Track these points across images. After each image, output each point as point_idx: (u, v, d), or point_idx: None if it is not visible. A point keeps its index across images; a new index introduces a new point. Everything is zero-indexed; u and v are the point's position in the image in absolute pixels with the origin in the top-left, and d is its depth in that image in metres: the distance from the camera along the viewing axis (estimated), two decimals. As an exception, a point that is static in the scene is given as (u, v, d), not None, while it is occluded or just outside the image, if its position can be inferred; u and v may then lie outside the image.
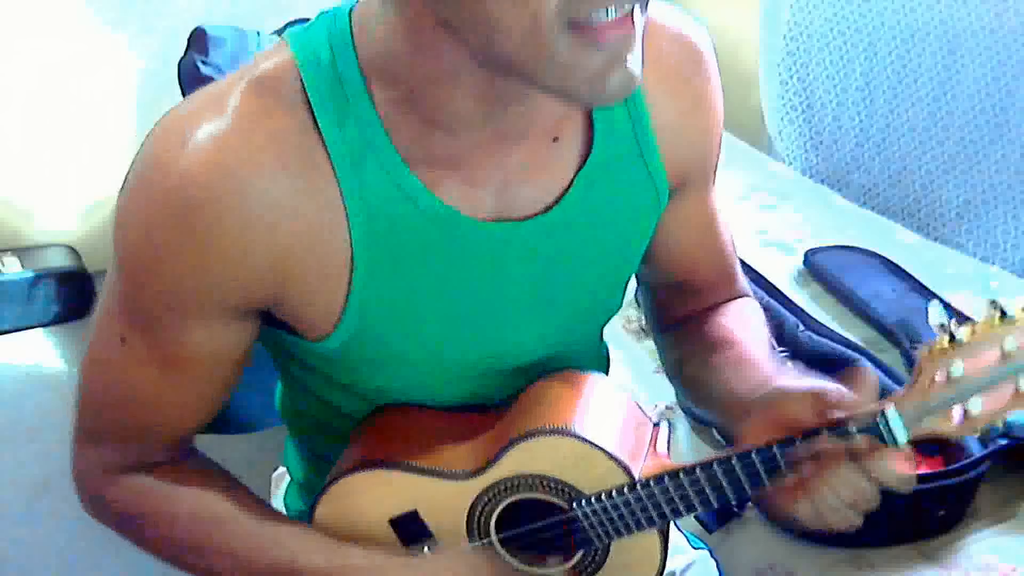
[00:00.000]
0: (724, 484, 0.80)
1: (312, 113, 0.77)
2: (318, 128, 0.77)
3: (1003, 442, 1.36)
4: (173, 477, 0.91)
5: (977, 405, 0.73)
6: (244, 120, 0.76)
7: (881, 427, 0.75)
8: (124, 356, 0.85)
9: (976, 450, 1.34)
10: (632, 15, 0.69)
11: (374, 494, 0.88)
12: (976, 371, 0.72)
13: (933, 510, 1.31)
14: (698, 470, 0.81)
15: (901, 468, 0.76)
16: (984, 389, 0.72)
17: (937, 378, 0.73)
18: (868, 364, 0.78)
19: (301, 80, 0.77)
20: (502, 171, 0.82)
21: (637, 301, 1.18)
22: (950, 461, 1.34)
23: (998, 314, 0.71)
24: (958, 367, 0.72)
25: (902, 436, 0.75)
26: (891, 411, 0.74)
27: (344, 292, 0.81)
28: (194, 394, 0.87)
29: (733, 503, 0.83)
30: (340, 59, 0.77)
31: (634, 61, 0.70)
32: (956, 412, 0.74)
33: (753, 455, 0.79)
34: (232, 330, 0.83)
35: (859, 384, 0.78)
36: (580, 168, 0.85)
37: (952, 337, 0.72)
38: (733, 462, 0.79)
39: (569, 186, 0.85)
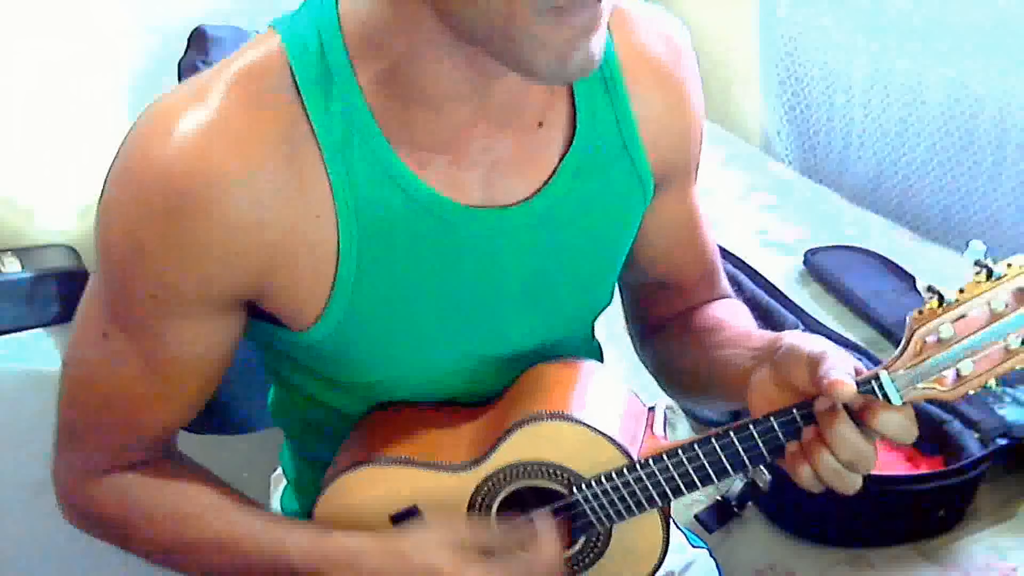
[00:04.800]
0: (723, 459, 0.81)
1: (301, 99, 0.76)
2: (307, 114, 0.77)
3: (1003, 442, 1.36)
4: (155, 474, 0.90)
5: (968, 366, 0.73)
6: (228, 111, 0.75)
7: (876, 393, 0.75)
8: (106, 352, 0.84)
9: (976, 450, 1.34)
10: None
11: (373, 491, 0.88)
12: (966, 332, 0.72)
13: (933, 510, 1.30)
14: (696, 446, 0.81)
15: (901, 421, 0.75)
16: (975, 350, 0.72)
17: (928, 341, 0.73)
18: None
19: (290, 67, 0.77)
20: (488, 156, 0.82)
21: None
22: (950, 461, 1.34)
23: (985, 274, 0.71)
24: (948, 329, 0.72)
25: (896, 401, 0.75)
26: (884, 376, 0.74)
27: (330, 281, 0.81)
28: (176, 390, 0.85)
29: (735, 477, 0.84)
30: (327, 42, 0.77)
31: (596, 42, 0.71)
32: (948, 374, 0.74)
33: (752, 427, 0.79)
34: (216, 324, 0.83)
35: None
36: (564, 156, 0.85)
37: (941, 299, 0.72)
38: (731, 436, 0.80)
39: (554, 173, 0.85)
